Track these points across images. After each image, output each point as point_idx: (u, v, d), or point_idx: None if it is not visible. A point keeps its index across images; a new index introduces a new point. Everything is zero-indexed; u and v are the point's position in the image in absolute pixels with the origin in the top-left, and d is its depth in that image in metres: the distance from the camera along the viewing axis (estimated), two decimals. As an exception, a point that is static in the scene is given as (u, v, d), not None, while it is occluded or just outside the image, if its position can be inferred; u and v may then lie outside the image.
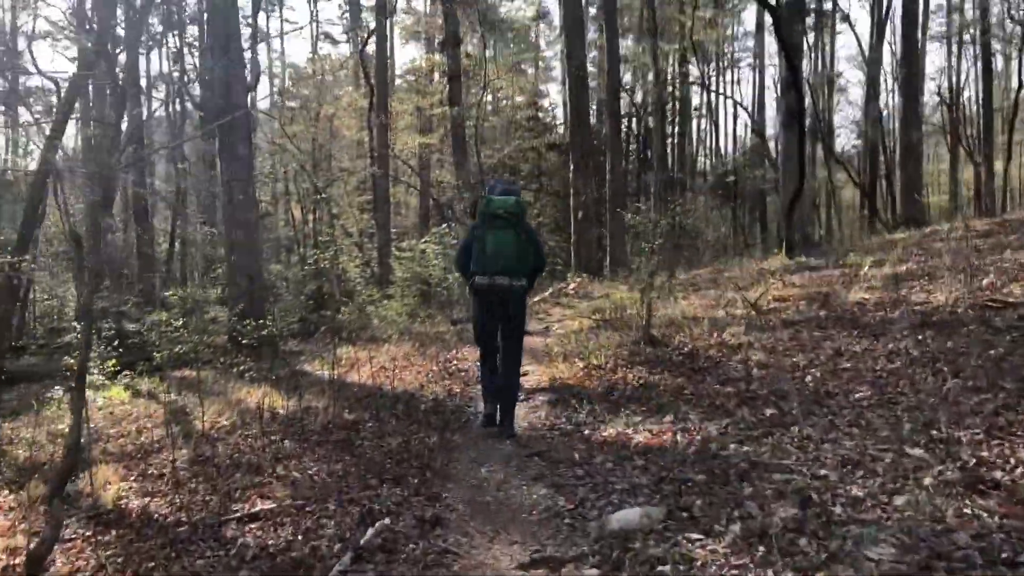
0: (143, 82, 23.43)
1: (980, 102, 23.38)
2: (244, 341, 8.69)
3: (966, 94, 30.43)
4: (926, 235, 11.45)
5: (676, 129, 31.34)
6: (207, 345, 12.97)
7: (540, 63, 37.22)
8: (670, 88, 32.01)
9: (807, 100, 12.38)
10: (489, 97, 31.96)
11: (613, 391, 5.72)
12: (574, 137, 16.88)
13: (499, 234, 4.95)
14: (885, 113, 30.99)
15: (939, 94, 26.45)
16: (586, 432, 4.91)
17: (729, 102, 32.59)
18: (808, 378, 4.93)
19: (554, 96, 37.14)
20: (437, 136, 27.25)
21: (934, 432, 3.57)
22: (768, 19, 33.91)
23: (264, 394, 8.08)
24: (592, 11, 28.40)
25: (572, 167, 16.79)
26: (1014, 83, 23.61)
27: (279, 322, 14.90)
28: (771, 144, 33.83)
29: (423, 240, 17.02)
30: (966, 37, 25.11)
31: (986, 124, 20.96)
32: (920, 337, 5.23)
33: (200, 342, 13.83)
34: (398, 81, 36.02)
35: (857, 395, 4.40)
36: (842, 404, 4.31)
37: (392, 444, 5.22)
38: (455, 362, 8.16)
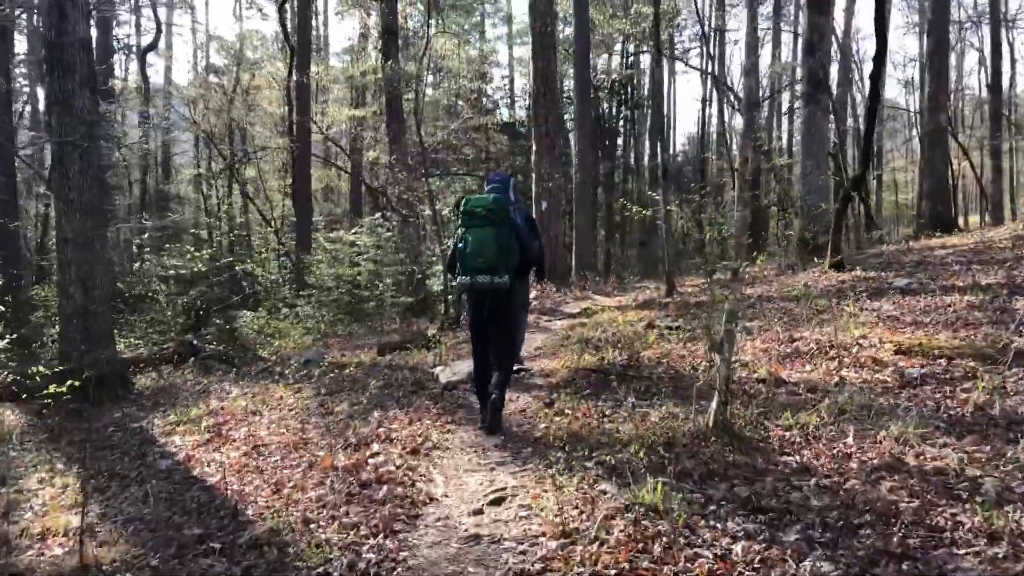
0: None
1: (986, 87, 20.90)
2: (52, 389, 5.31)
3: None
4: (1014, 238, 8.58)
5: (644, 111, 28.58)
6: (33, 376, 8.99)
7: (484, 46, 33.90)
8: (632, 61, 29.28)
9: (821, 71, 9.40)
10: (431, 78, 28.44)
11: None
12: (537, 108, 13.58)
13: (478, 232, 4.74)
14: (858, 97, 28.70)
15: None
16: None
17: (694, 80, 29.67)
18: None
19: (498, 81, 33.71)
20: (371, 111, 23.58)
21: None
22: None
23: (60, 492, 4.91)
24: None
25: (535, 146, 13.53)
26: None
27: (146, 341, 11.25)
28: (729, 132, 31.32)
29: (352, 231, 13.77)
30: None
31: (993, 114, 18.47)
32: None
33: (29, 371, 9.68)
34: (332, 60, 32.33)
35: None
36: None
37: None
38: (375, 449, 4.73)
